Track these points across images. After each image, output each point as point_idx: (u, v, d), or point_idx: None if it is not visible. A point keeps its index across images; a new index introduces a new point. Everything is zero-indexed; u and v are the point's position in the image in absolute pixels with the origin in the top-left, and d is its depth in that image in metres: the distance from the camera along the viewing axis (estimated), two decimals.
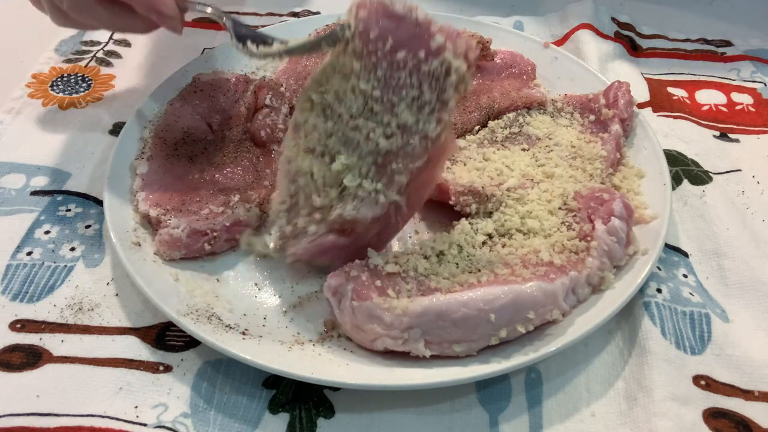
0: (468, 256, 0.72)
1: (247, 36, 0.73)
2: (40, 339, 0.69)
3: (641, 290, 0.73)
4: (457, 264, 0.70)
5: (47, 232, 0.80)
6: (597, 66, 1.04)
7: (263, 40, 0.72)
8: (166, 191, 0.78)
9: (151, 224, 0.77)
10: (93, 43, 1.10)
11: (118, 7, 0.75)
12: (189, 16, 1.17)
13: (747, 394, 0.66)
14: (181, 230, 0.73)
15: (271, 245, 0.76)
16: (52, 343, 0.69)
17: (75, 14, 0.77)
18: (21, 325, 0.71)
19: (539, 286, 0.64)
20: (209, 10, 0.79)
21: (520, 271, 0.67)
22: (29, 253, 0.77)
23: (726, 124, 0.99)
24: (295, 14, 1.19)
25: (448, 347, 0.64)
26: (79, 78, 1.02)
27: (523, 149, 0.85)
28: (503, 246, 0.73)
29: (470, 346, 0.64)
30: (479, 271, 0.69)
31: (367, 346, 0.66)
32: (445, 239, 0.73)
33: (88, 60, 1.06)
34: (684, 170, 0.90)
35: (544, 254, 0.69)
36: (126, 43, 1.10)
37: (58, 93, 0.99)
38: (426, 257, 0.71)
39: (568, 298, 0.68)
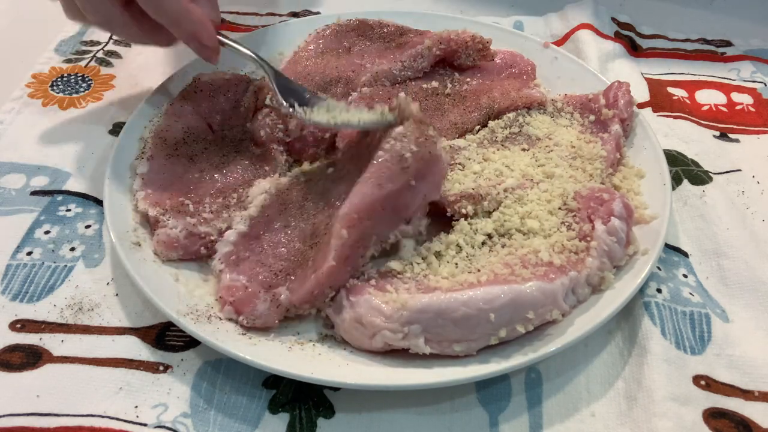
0: (467, 256, 0.72)
1: (290, 93, 0.78)
2: (40, 339, 0.69)
3: (641, 290, 0.73)
4: (457, 264, 0.70)
5: (47, 232, 0.80)
6: (597, 66, 1.04)
7: (307, 102, 0.77)
8: (165, 191, 0.78)
9: (150, 224, 0.77)
10: (93, 43, 1.10)
11: (150, 25, 0.76)
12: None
13: (747, 394, 0.66)
14: (178, 231, 0.73)
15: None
16: (52, 343, 0.69)
17: (102, 25, 0.77)
18: (21, 325, 0.71)
19: (539, 286, 0.64)
20: (244, 50, 0.82)
21: (520, 271, 0.67)
22: (29, 253, 0.77)
23: (726, 124, 0.99)
24: (295, 14, 1.19)
25: (447, 346, 0.64)
26: (79, 78, 1.02)
27: (523, 149, 0.85)
28: (503, 246, 0.73)
29: (470, 346, 0.64)
30: (479, 271, 0.69)
31: (366, 345, 0.66)
32: (443, 240, 0.73)
33: (88, 60, 1.06)
34: (684, 170, 0.90)
35: (543, 254, 0.69)
36: (126, 43, 1.10)
37: (58, 93, 0.99)
38: (423, 258, 0.71)
39: (568, 298, 0.68)
